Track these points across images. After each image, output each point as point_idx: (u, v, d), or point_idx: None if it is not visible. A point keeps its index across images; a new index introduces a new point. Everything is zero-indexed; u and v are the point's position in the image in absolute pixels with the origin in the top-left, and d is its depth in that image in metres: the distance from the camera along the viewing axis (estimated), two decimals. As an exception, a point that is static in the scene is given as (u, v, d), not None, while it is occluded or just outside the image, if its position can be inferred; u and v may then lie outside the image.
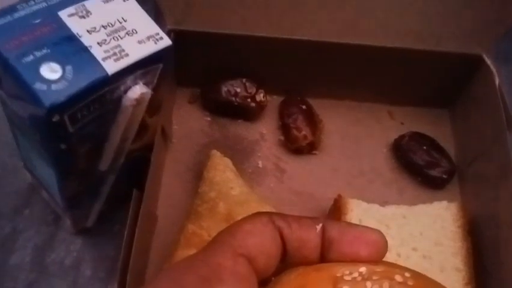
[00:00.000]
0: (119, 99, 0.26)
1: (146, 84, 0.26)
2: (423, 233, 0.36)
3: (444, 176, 0.40)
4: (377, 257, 0.19)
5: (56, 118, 0.23)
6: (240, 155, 0.41)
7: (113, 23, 0.25)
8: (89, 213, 0.35)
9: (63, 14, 0.24)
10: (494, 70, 0.39)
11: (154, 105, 0.30)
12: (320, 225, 0.20)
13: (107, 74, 0.24)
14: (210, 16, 0.38)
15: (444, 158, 0.41)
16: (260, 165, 0.41)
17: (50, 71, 0.23)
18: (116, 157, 0.30)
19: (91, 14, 0.25)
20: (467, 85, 0.42)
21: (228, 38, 0.38)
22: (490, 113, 0.39)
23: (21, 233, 0.37)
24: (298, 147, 0.41)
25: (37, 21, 0.24)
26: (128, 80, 0.25)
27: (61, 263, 0.36)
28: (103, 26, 0.25)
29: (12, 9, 0.24)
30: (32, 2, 0.24)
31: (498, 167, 0.37)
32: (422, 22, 0.39)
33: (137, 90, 0.26)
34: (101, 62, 0.24)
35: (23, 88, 0.23)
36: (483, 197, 0.39)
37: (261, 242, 0.19)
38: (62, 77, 0.23)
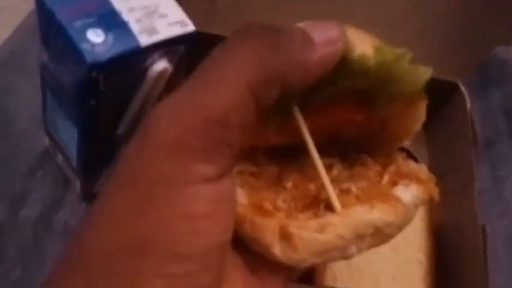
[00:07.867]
0: (145, 70, 0.31)
1: (169, 61, 0.31)
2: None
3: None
4: None
5: (94, 74, 0.28)
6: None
7: (149, 6, 0.30)
8: (99, 177, 0.39)
9: (110, -6, 0.29)
10: (467, 97, 0.45)
11: (170, 86, 0.35)
12: None
13: (140, 45, 0.29)
14: (227, 21, 0.43)
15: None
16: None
17: (95, 36, 0.27)
18: (133, 124, 0.34)
19: (132, -4, 0.30)
20: (442, 108, 0.48)
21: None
22: (460, 133, 0.44)
23: (32, 192, 0.41)
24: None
25: (88, -4, 0.29)
26: (155, 55, 0.30)
27: (66, 222, 0.40)
28: (140, 8, 0.30)
29: (68, -15, 0.29)
30: (85, -18, 0.29)
31: (463, 182, 0.42)
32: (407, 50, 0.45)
33: (161, 65, 0.31)
34: (137, 35, 0.29)
35: (70, 47, 0.27)
36: (450, 208, 0.43)
37: None
38: (104, 42, 0.28)
